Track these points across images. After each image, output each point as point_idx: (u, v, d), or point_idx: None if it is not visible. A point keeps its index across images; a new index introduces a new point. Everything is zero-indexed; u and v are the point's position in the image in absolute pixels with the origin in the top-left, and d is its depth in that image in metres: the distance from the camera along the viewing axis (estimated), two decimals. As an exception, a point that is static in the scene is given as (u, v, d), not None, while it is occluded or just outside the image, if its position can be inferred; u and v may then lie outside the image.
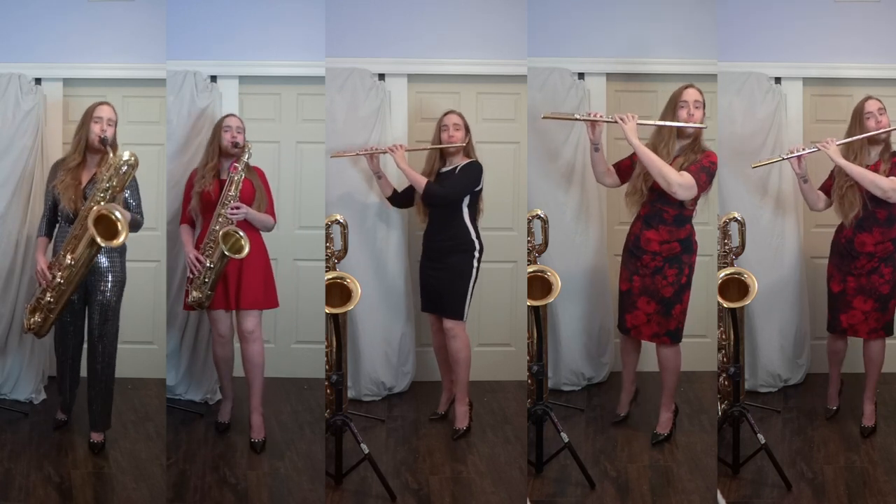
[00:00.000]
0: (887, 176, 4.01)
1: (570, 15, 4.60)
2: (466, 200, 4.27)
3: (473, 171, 4.28)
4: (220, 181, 4.17)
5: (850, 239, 4.15)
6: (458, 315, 4.27)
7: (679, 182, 3.87)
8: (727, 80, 4.54)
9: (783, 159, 4.09)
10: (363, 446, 3.79)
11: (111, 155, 3.88)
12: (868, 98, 4.13)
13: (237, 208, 4.09)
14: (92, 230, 3.79)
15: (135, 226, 4.03)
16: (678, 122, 3.97)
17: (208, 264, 4.10)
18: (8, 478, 3.84)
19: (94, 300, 4.00)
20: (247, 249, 4.04)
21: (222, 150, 4.19)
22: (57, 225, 4.07)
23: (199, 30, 4.48)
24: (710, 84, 4.30)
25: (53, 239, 4.09)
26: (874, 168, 4.06)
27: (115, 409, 4.16)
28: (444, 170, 4.34)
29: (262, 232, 4.24)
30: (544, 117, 4.07)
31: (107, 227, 3.82)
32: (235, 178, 4.11)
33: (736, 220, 4.22)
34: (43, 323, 4.01)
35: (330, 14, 4.33)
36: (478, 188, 4.28)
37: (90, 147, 4.00)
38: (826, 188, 4.23)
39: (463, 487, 3.88)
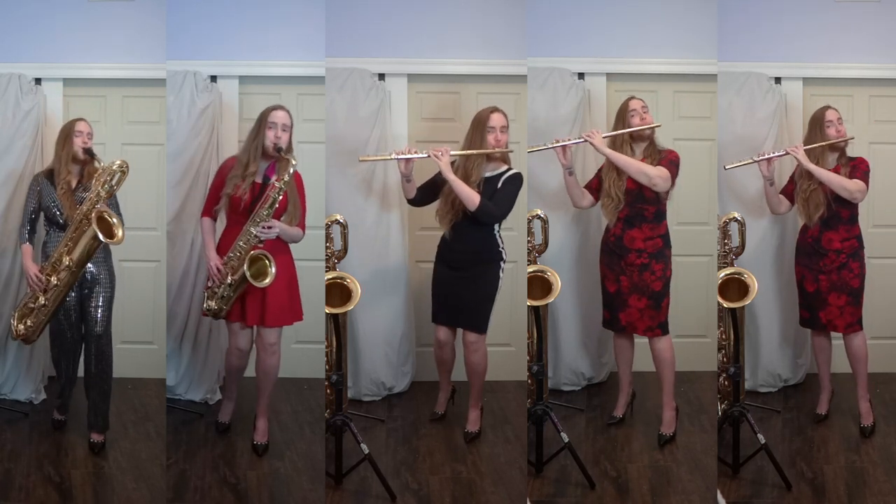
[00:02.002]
0: (850, 177, 4.18)
1: (569, 15, 4.60)
2: None
3: (517, 186, 4.10)
4: (254, 184, 3.97)
5: (816, 238, 4.26)
6: (482, 329, 4.18)
7: (658, 174, 4.07)
8: (727, 80, 4.54)
9: (754, 161, 4.21)
10: (363, 446, 3.79)
11: (99, 164, 4.01)
12: (828, 108, 4.26)
13: (269, 227, 3.92)
14: (95, 228, 3.87)
15: None
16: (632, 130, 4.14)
17: (229, 280, 3.96)
18: (8, 478, 3.84)
19: (89, 304, 4.05)
20: (269, 280, 3.90)
21: (264, 149, 3.96)
22: (40, 231, 4.12)
23: (199, 30, 4.48)
24: (710, 84, 4.30)
25: (40, 245, 4.11)
26: (835, 171, 4.19)
27: (115, 409, 4.17)
28: (488, 175, 4.11)
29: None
30: (529, 151, 4.21)
31: (103, 228, 3.90)
32: (273, 195, 3.88)
33: (736, 220, 4.23)
34: (35, 328, 4.03)
35: (330, 14, 4.33)
36: None
37: (74, 159, 4.07)
38: (787, 192, 4.35)
39: (463, 487, 3.88)
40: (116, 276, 4.15)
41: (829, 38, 4.66)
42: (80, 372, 4.14)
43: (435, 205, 4.24)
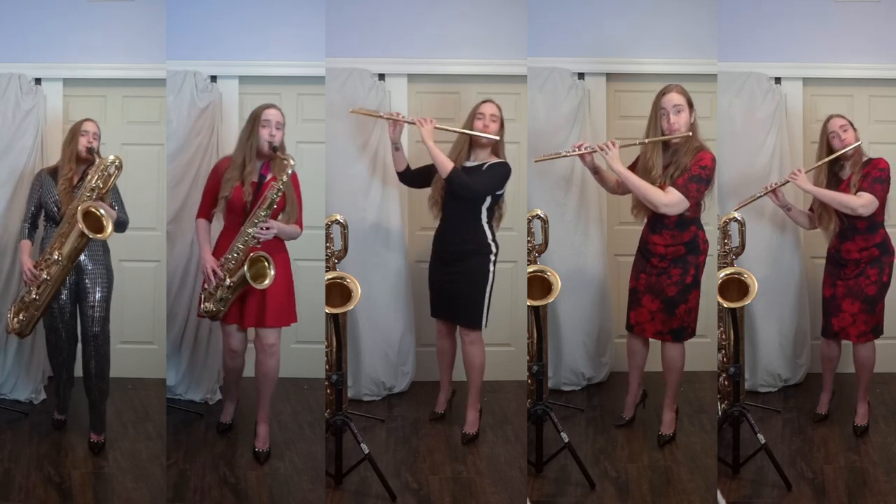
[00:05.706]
0: (858, 188, 4.11)
1: (570, 15, 4.60)
2: (487, 202, 4.14)
3: (502, 172, 4.13)
4: (251, 183, 3.94)
5: (837, 248, 4.25)
6: (478, 324, 4.18)
7: (665, 202, 3.93)
8: (727, 80, 4.54)
9: (760, 196, 4.21)
10: (363, 446, 3.79)
11: (97, 160, 3.97)
12: (831, 117, 4.20)
13: (267, 228, 3.89)
14: (81, 223, 3.85)
15: (120, 225, 4.07)
16: (660, 132, 3.99)
17: (227, 282, 3.93)
18: (8, 478, 3.85)
19: (85, 303, 4.05)
20: (268, 282, 3.88)
21: (259, 149, 3.93)
22: (40, 228, 4.12)
23: (199, 30, 4.48)
24: (710, 84, 4.30)
25: (39, 242, 4.11)
26: (847, 181, 4.14)
27: (115, 410, 4.17)
28: (470, 164, 4.17)
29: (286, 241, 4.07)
30: (536, 161, 4.16)
31: (92, 223, 3.89)
32: (270, 195, 3.85)
33: (736, 220, 4.22)
34: (27, 322, 4.04)
35: (330, 14, 4.33)
36: (501, 191, 4.17)
37: (79, 158, 4.06)
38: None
39: (463, 487, 3.88)
40: (116, 276, 4.15)
41: (829, 38, 4.65)
42: (79, 371, 4.14)
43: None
